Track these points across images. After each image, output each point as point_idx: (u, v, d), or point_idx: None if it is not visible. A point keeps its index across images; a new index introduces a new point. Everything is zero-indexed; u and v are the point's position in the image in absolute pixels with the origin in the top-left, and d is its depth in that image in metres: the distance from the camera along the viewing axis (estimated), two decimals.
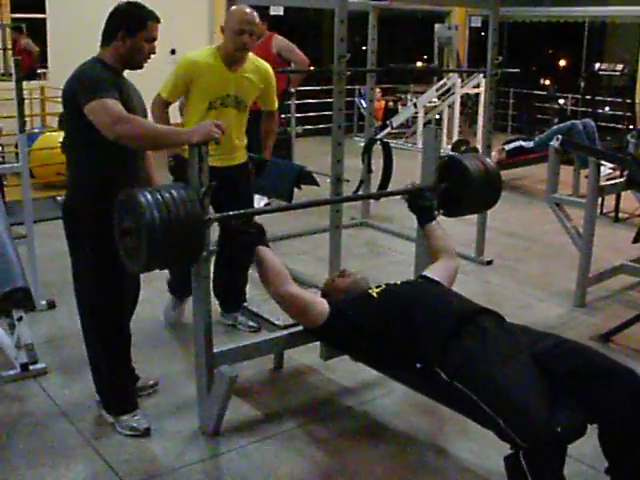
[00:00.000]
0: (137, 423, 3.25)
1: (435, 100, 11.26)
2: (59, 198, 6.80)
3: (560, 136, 5.35)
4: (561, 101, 12.45)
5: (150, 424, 3.26)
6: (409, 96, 12.24)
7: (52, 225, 5.50)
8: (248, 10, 3.92)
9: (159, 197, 2.69)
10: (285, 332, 3.33)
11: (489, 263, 5.83)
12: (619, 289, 5.26)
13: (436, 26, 12.80)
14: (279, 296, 3.09)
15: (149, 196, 2.68)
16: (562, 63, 14.93)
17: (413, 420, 3.44)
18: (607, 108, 12.12)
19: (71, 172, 3.16)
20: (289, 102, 7.99)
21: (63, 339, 4.13)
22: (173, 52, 10.27)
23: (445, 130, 11.04)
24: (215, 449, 3.17)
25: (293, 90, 7.56)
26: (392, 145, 7.14)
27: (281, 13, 7.31)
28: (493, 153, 7.26)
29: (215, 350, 3.12)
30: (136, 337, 3.42)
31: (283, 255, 3.86)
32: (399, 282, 3.20)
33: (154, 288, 4.48)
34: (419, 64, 13.86)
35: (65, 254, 3.21)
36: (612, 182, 5.83)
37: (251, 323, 4.23)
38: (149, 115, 3.49)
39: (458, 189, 3.61)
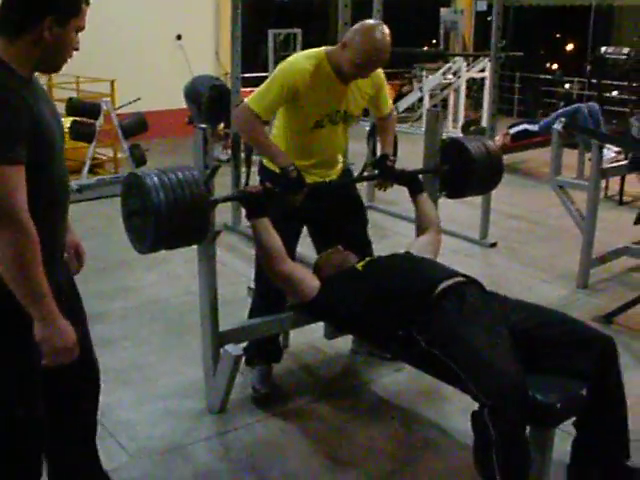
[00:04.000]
0: None
1: (441, 83, 11.28)
2: None
3: (563, 119, 5.37)
4: (567, 85, 12.43)
5: None
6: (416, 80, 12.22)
7: None
8: (383, 42, 3.08)
9: (165, 179, 2.73)
10: (291, 312, 3.37)
11: (493, 245, 5.86)
12: (622, 271, 5.30)
13: (442, 10, 12.79)
14: (273, 274, 3.15)
15: (155, 178, 2.72)
16: (569, 47, 14.88)
17: (417, 399, 3.50)
18: (615, 92, 12.08)
19: None
20: None
21: None
22: (179, 37, 10.31)
23: (451, 114, 11.07)
24: (222, 427, 3.23)
25: None
26: (397, 129, 7.20)
27: None
28: (497, 137, 7.28)
29: (221, 329, 3.17)
30: (144, 320, 3.47)
31: None
32: (384, 255, 3.28)
33: (160, 272, 4.52)
34: (425, 48, 13.84)
35: None
36: (615, 165, 5.85)
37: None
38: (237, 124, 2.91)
39: (460, 171, 3.66)
